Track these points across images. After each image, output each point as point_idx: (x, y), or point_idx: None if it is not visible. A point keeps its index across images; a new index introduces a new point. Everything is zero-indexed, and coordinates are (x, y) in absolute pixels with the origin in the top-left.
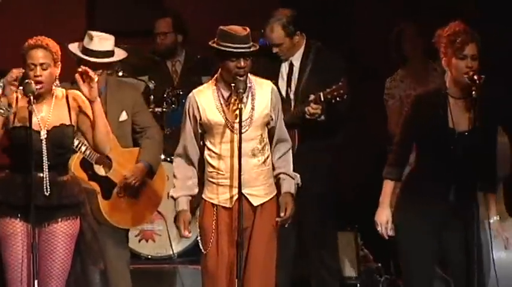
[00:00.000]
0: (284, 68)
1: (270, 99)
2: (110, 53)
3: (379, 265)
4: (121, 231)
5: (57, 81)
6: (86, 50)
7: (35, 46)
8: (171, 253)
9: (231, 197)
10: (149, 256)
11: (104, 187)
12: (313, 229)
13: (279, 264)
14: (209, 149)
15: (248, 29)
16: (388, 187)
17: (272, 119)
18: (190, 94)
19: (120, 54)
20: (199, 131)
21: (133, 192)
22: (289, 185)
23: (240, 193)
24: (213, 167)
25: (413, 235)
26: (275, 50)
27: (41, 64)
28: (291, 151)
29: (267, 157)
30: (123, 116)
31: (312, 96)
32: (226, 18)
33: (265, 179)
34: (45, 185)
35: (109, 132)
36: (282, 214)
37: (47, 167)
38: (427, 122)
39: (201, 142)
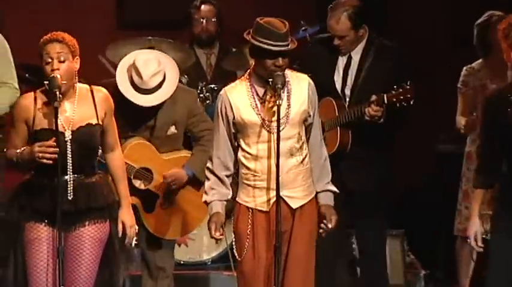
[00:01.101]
0: (341, 61)
1: (308, 95)
2: (162, 82)
3: (427, 272)
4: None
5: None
6: (138, 89)
7: (50, 40)
8: (205, 258)
9: (269, 200)
10: (182, 262)
11: (144, 201)
12: (364, 233)
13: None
14: (243, 150)
15: (287, 24)
16: (477, 196)
17: (310, 116)
18: (222, 92)
19: (170, 72)
20: (233, 131)
21: (175, 201)
22: (329, 198)
23: (278, 195)
24: (248, 168)
25: (508, 250)
26: (337, 42)
27: (58, 57)
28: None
29: (306, 156)
30: (171, 131)
31: (373, 97)
32: (263, 8)
33: (304, 180)
34: (69, 189)
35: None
36: (329, 225)
37: (71, 170)
38: (497, 121)
39: (235, 143)
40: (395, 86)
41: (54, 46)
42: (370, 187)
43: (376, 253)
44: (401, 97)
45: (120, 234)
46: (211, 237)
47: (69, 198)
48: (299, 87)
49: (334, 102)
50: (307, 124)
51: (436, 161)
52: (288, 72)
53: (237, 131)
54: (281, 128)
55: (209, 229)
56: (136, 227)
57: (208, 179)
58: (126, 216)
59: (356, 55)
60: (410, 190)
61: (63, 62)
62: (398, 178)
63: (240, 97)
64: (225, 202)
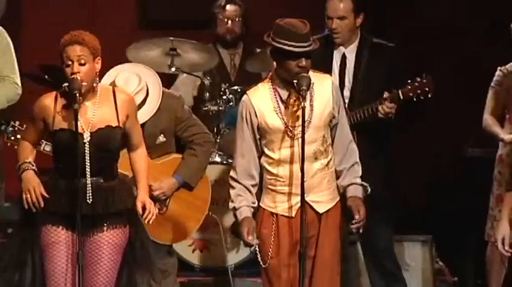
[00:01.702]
0: (335, 60)
1: (332, 96)
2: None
3: (456, 279)
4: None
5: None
6: None
7: (70, 42)
8: (227, 264)
9: (293, 206)
10: (204, 267)
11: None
12: (372, 235)
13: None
14: (267, 155)
15: (308, 24)
16: (508, 199)
17: (334, 117)
18: (245, 97)
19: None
20: (258, 136)
21: (171, 204)
22: (357, 191)
23: (302, 200)
24: (271, 174)
25: None
26: (335, 25)
27: (78, 60)
28: (357, 153)
29: (330, 159)
30: (160, 140)
31: (386, 94)
32: (287, 8)
33: (329, 183)
34: (88, 192)
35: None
36: (356, 217)
37: (89, 172)
38: None
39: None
40: (409, 81)
41: (75, 48)
42: (377, 187)
43: (386, 254)
44: (419, 90)
45: (140, 212)
46: (245, 243)
47: (89, 201)
48: (322, 88)
49: None
50: (332, 125)
51: (465, 164)
52: (310, 73)
53: (261, 136)
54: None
55: (240, 235)
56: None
57: (233, 187)
58: (145, 197)
59: (350, 54)
60: (439, 194)
61: (84, 65)
62: (424, 181)
63: (263, 101)
64: (252, 209)
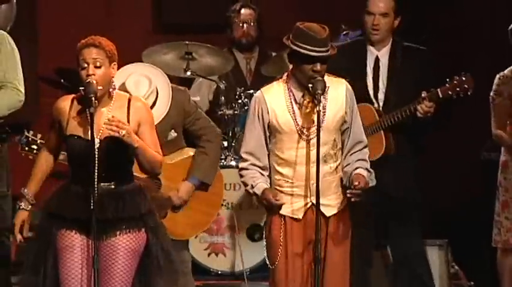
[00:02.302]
0: (369, 64)
1: (345, 100)
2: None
3: (472, 283)
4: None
5: (115, 84)
6: None
7: (87, 45)
8: (243, 268)
9: (301, 208)
10: (219, 272)
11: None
12: (401, 240)
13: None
14: (276, 155)
15: (327, 29)
16: None
17: (346, 122)
18: (258, 93)
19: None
20: (268, 134)
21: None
22: (362, 170)
23: (318, 202)
24: (280, 174)
25: None
26: (376, 21)
27: (94, 62)
28: (367, 149)
29: (339, 164)
30: (171, 135)
31: (424, 93)
32: (303, 12)
33: (336, 187)
34: (92, 198)
35: (156, 161)
36: (355, 183)
37: (98, 178)
38: None
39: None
40: (447, 79)
41: (91, 51)
42: (409, 191)
43: (416, 259)
44: (458, 89)
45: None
46: (275, 206)
47: (91, 207)
48: (336, 93)
49: (372, 107)
50: (343, 129)
51: (482, 169)
52: (325, 76)
53: (271, 134)
54: (314, 135)
55: (267, 200)
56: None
57: (244, 175)
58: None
59: (383, 57)
60: (455, 198)
61: (99, 67)
62: (444, 186)
63: (276, 100)
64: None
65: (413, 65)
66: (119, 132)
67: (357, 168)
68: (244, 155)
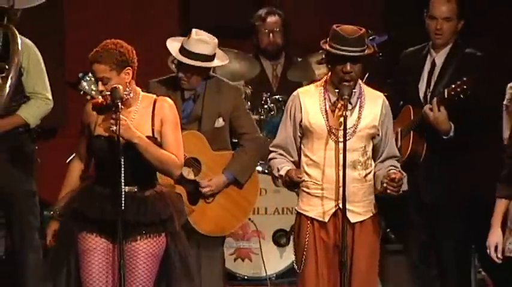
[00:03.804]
0: (426, 66)
1: (380, 112)
2: (208, 58)
3: None
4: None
5: (133, 86)
6: (182, 49)
7: (91, 61)
8: (269, 273)
9: (327, 211)
10: (246, 277)
11: (190, 192)
12: (441, 247)
13: None
14: (306, 156)
15: (363, 30)
16: (499, 207)
17: (378, 134)
18: (295, 93)
19: (221, 58)
20: (299, 134)
21: (218, 197)
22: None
23: (344, 206)
24: (309, 175)
25: None
26: (439, 25)
27: (101, 80)
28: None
29: (369, 173)
30: (219, 123)
31: (435, 99)
32: (329, 17)
33: (365, 196)
34: (120, 199)
35: (167, 160)
36: (393, 176)
37: (123, 181)
38: None
39: (300, 146)
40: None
41: (96, 68)
42: (449, 198)
43: (453, 270)
44: (458, 89)
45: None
46: (296, 182)
47: (122, 208)
48: (373, 103)
49: (411, 109)
50: (375, 142)
51: None
52: (364, 86)
53: (303, 134)
54: (347, 138)
55: (289, 176)
56: None
57: (271, 165)
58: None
59: (439, 59)
60: (481, 203)
61: (107, 83)
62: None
63: (311, 101)
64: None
65: (466, 69)
66: (113, 130)
67: (390, 169)
68: (272, 148)
